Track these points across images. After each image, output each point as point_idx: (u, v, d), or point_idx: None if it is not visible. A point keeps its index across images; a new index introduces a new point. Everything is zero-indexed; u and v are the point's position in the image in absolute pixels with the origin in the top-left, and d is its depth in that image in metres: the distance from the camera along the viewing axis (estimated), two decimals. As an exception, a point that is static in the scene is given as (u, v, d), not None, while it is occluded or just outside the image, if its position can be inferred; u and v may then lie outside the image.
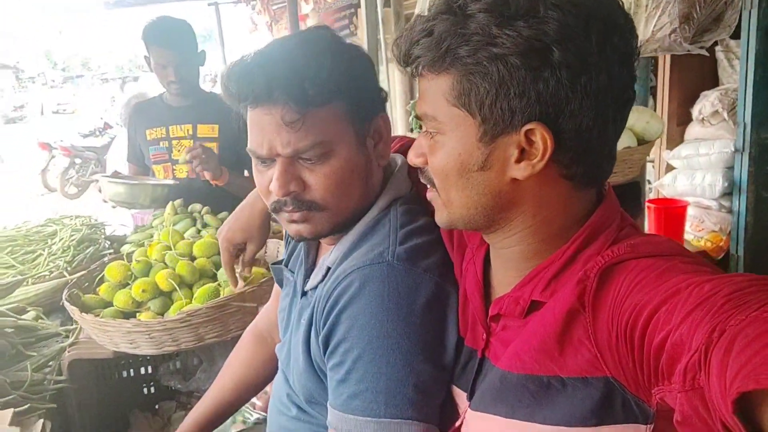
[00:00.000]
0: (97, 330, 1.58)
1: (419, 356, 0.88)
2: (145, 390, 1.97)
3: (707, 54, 1.28)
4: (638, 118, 1.83)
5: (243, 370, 1.39)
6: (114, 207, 2.44)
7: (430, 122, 0.78)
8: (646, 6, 1.11)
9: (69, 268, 1.97)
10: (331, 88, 0.92)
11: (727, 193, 3.44)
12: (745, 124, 3.24)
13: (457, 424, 0.88)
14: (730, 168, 3.39)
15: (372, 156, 1.02)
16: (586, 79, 0.68)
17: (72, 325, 1.82)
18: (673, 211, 3.35)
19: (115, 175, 2.57)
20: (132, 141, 2.72)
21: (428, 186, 0.85)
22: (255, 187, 1.28)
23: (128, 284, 1.76)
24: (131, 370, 1.95)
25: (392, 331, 0.87)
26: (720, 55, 3.70)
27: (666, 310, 0.59)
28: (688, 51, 1.20)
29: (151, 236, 2.21)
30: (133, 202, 2.37)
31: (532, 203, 0.78)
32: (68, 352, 1.65)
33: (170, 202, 2.26)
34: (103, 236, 2.25)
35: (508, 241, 0.82)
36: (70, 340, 1.70)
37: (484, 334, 0.86)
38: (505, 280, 0.85)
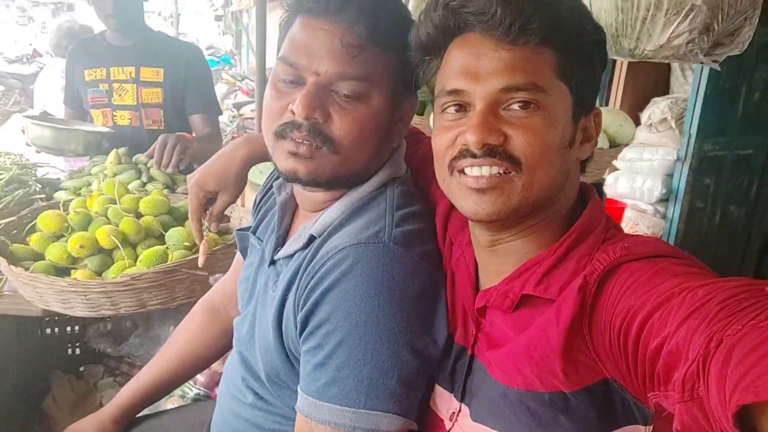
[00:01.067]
0: (26, 285, 1.44)
1: (407, 347, 0.83)
2: (70, 350, 1.82)
3: (718, 68, 1.27)
4: (612, 121, 1.83)
5: (191, 345, 1.30)
6: (38, 152, 2.22)
7: (530, 94, 0.74)
8: (667, 11, 1.08)
9: (-7, 211, 1.78)
10: (397, 39, 0.88)
11: (664, 200, 3.58)
12: (690, 135, 3.37)
13: (448, 428, 0.85)
14: (670, 176, 3.52)
15: (392, 128, 0.96)
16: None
17: (-7, 274, 1.64)
18: (611, 212, 3.45)
19: (43, 116, 2.34)
20: (69, 82, 2.48)
21: (492, 171, 0.76)
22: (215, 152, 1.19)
23: (63, 236, 1.61)
24: (56, 328, 1.79)
25: (382, 317, 0.82)
26: (675, 64, 3.81)
27: (660, 316, 0.59)
28: (701, 63, 1.18)
29: (89, 184, 2.04)
30: (62, 149, 2.16)
31: (568, 188, 0.81)
32: (-9, 305, 1.49)
33: (114, 150, 2.09)
34: (33, 179, 2.04)
35: (519, 234, 0.81)
36: (-7, 292, 1.53)
37: (474, 330, 0.84)
38: (494, 276, 0.84)
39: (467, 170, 0.77)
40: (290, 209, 1.07)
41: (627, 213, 3.80)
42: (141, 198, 1.72)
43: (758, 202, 3.69)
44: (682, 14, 1.05)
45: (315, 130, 0.87)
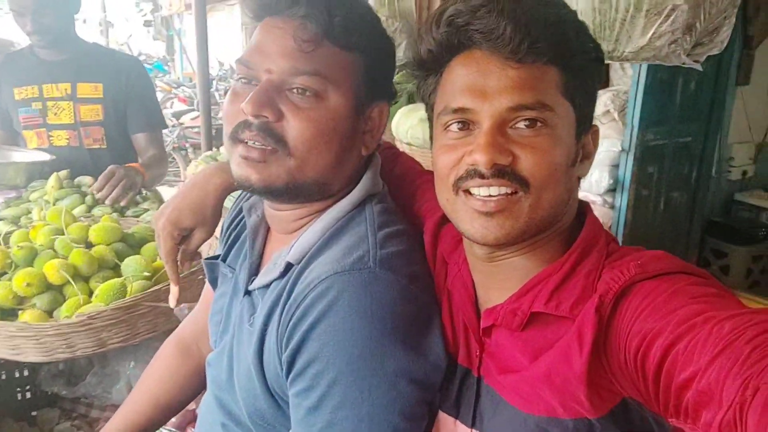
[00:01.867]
0: (-31, 332, 1.30)
1: (406, 377, 0.78)
2: (19, 395, 1.67)
3: (701, 69, 1.28)
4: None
5: (163, 388, 1.20)
6: None
7: (538, 112, 0.73)
8: (647, 12, 1.07)
9: None
10: (357, 37, 0.85)
11: (611, 190, 3.67)
12: (632, 126, 3.47)
13: None
14: (616, 166, 3.61)
15: (358, 138, 0.91)
16: None
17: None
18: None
19: None
20: None
21: (501, 191, 0.74)
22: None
23: (5, 273, 1.48)
24: (2, 373, 1.64)
25: (376, 350, 0.77)
26: (613, 57, 3.92)
27: (685, 348, 0.58)
28: (683, 63, 1.18)
29: (28, 212, 1.89)
30: (1, 182, 2.01)
31: (570, 205, 0.80)
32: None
33: (54, 174, 1.95)
34: (-36, 209, 1.88)
35: (520, 251, 0.80)
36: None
37: (478, 350, 0.82)
38: (497, 292, 0.82)
39: (474, 191, 0.75)
40: (262, 232, 1.01)
41: (577, 205, 3.87)
42: (90, 226, 1.60)
43: (698, 187, 3.84)
44: (664, 14, 1.04)
45: (266, 129, 0.83)
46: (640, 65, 3.42)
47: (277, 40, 0.84)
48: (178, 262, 1.08)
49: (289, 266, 0.88)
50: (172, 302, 1.12)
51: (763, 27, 3.63)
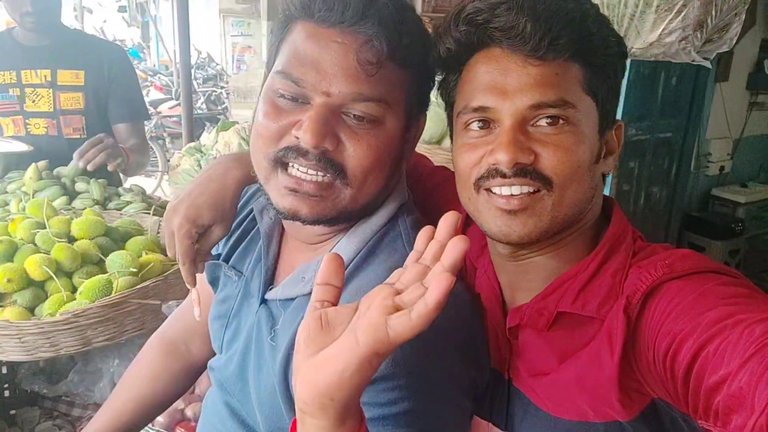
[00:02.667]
0: (-53, 331, 1.25)
1: (462, 387, 0.78)
2: (-2, 393, 1.62)
3: (709, 66, 1.27)
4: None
5: (148, 387, 1.16)
6: None
7: (560, 110, 0.72)
8: (657, 7, 1.05)
9: None
10: (416, 55, 0.80)
11: (593, 184, 3.71)
12: (616, 121, 3.50)
13: None
14: (598, 161, 3.64)
15: (405, 151, 0.87)
16: None
17: None
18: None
19: None
20: None
21: (523, 190, 0.73)
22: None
23: (-16, 269, 1.42)
24: (-20, 370, 1.59)
25: (438, 362, 0.75)
26: (596, 52, 3.94)
27: (715, 350, 0.58)
28: (693, 61, 1.17)
29: (6, 204, 1.82)
30: None
31: (595, 203, 0.79)
32: None
33: (33, 165, 1.88)
34: (-63, 201, 1.80)
35: (545, 249, 0.79)
36: None
37: (507, 352, 0.82)
38: (523, 293, 0.81)
39: (496, 189, 0.74)
40: (276, 237, 0.96)
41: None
42: (72, 219, 1.55)
43: (677, 183, 3.89)
44: (674, 11, 1.02)
45: (326, 159, 0.76)
46: (624, 60, 3.46)
47: (337, 59, 0.75)
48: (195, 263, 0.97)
49: None
50: (196, 313, 1.01)
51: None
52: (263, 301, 0.91)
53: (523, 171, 0.72)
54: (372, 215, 0.86)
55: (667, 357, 0.63)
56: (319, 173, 0.77)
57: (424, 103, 0.88)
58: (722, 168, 4.19)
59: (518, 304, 0.81)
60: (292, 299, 0.86)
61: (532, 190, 0.73)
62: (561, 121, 0.72)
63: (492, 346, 0.84)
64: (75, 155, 1.95)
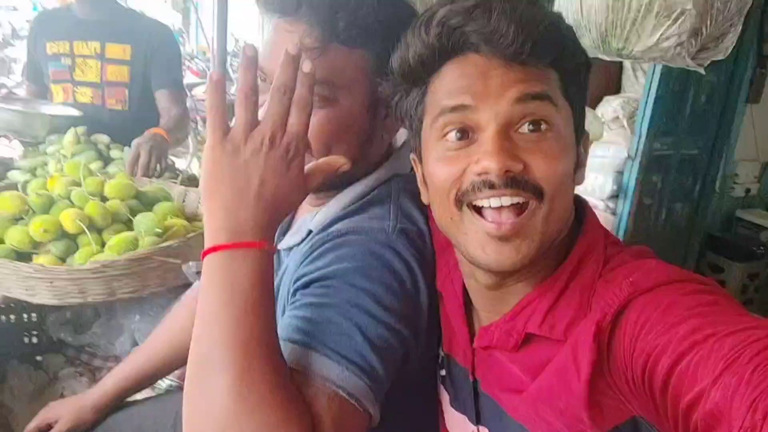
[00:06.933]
0: (-14, 270, 1.35)
1: (381, 303, 0.78)
2: (26, 339, 1.73)
3: (703, 72, 1.31)
4: (582, 119, 1.87)
5: (182, 336, 1.25)
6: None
7: (545, 105, 0.69)
8: (657, 13, 1.11)
9: (-59, 190, 1.66)
10: (365, 34, 0.83)
11: (614, 196, 3.71)
12: (641, 134, 3.50)
13: None
14: (621, 172, 3.64)
15: (378, 125, 0.92)
16: None
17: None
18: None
19: (8, 97, 2.22)
20: (31, 55, 2.36)
21: (513, 200, 0.68)
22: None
23: (22, 219, 1.52)
24: (12, 315, 1.69)
25: (369, 275, 0.79)
26: (627, 63, 3.94)
27: (687, 368, 0.56)
28: (687, 66, 1.23)
29: (45, 164, 1.94)
30: (26, 133, 2.06)
31: (570, 216, 0.75)
32: (-56, 291, 1.40)
33: (72, 129, 1.99)
34: (-17, 157, 1.93)
35: (526, 273, 0.75)
36: (-54, 277, 1.43)
37: (470, 356, 0.82)
38: (494, 314, 0.78)
39: (483, 202, 0.69)
40: None
41: (580, 208, 3.91)
42: (105, 181, 1.65)
43: (701, 201, 3.87)
44: (672, 17, 1.08)
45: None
46: (653, 73, 3.46)
47: (285, 45, 0.81)
48: None
49: (310, 233, 0.92)
50: None
51: (778, 47, 3.65)
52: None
53: (514, 180, 0.66)
54: (364, 178, 0.93)
55: (644, 375, 0.60)
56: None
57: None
58: (748, 190, 4.16)
59: (487, 321, 0.79)
60: (290, 248, 0.95)
61: (522, 201, 0.68)
62: (544, 126, 0.68)
63: (456, 346, 0.84)
64: (127, 166, 1.94)
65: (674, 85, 3.41)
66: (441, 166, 0.71)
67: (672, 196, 3.76)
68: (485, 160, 0.66)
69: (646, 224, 3.71)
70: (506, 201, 0.67)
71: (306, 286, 0.81)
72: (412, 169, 0.95)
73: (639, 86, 3.79)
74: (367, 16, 0.83)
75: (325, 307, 0.77)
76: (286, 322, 0.78)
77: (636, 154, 3.52)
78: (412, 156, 0.84)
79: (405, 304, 0.81)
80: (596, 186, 3.75)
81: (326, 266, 0.81)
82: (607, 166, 3.67)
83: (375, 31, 0.83)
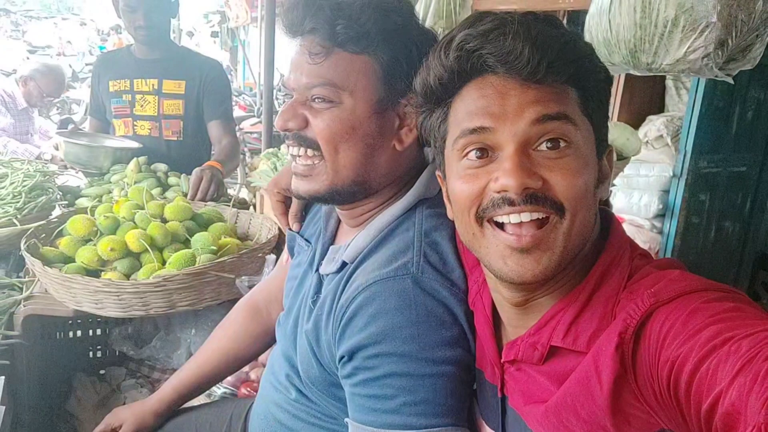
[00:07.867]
0: (60, 286, 1.48)
1: (450, 363, 0.85)
2: (91, 353, 1.85)
3: (732, 81, 1.34)
4: (619, 134, 1.91)
5: (232, 343, 1.34)
6: (67, 168, 2.32)
7: (563, 124, 0.70)
8: (684, 27, 1.15)
9: (19, 216, 1.82)
10: (365, 41, 0.89)
11: (660, 215, 3.66)
12: (686, 152, 3.46)
13: None
14: (666, 191, 3.61)
15: (389, 134, 0.94)
16: None
17: (20, 275, 1.69)
18: (612, 226, 3.51)
19: (74, 132, 2.42)
20: (95, 93, 2.57)
21: (533, 216, 0.70)
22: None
23: (91, 240, 1.65)
24: (78, 331, 1.82)
25: (422, 344, 0.84)
26: (669, 82, 3.92)
27: (707, 370, 0.56)
28: (716, 76, 1.26)
29: (110, 192, 2.08)
30: (92, 164, 2.25)
31: (595, 231, 0.76)
32: (23, 306, 1.53)
33: (134, 158, 2.14)
34: (55, 185, 2.09)
35: (552, 287, 0.76)
36: (25, 293, 1.56)
37: (499, 373, 0.82)
38: (517, 320, 0.81)
39: (503, 219, 0.70)
40: (335, 216, 1.10)
41: (624, 227, 3.87)
42: (165, 204, 1.77)
43: (752, 219, 3.77)
44: (698, 30, 1.12)
45: (297, 137, 0.93)
46: (696, 90, 3.44)
47: (298, 60, 0.92)
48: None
49: (344, 264, 0.97)
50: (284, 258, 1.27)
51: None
52: (317, 270, 1.05)
53: (533, 197, 0.68)
54: (390, 206, 0.98)
55: (669, 385, 0.60)
56: (298, 147, 0.94)
57: (408, 85, 0.89)
58: (803, 207, 4.03)
59: (513, 336, 0.80)
60: (327, 275, 1.01)
61: (542, 216, 0.69)
62: (562, 143, 0.69)
63: (486, 364, 0.85)
64: (191, 190, 2.08)
65: (718, 102, 3.38)
66: (462, 183, 0.74)
67: (721, 215, 3.68)
68: (504, 178, 0.68)
69: (695, 243, 3.64)
70: (526, 217, 0.69)
71: (351, 357, 0.88)
72: (440, 191, 0.96)
73: (682, 104, 3.77)
74: (366, 23, 0.89)
75: (383, 379, 0.84)
76: (355, 402, 0.88)
77: (681, 173, 3.48)
78: (438, 173, 0.86)
79: (449, 330, 0.86)
80: (641, 205, 3.71)
81: (362, 330, 0.86)
82: (652, 185, 3.65)
83: (376, 38, 0.90)
